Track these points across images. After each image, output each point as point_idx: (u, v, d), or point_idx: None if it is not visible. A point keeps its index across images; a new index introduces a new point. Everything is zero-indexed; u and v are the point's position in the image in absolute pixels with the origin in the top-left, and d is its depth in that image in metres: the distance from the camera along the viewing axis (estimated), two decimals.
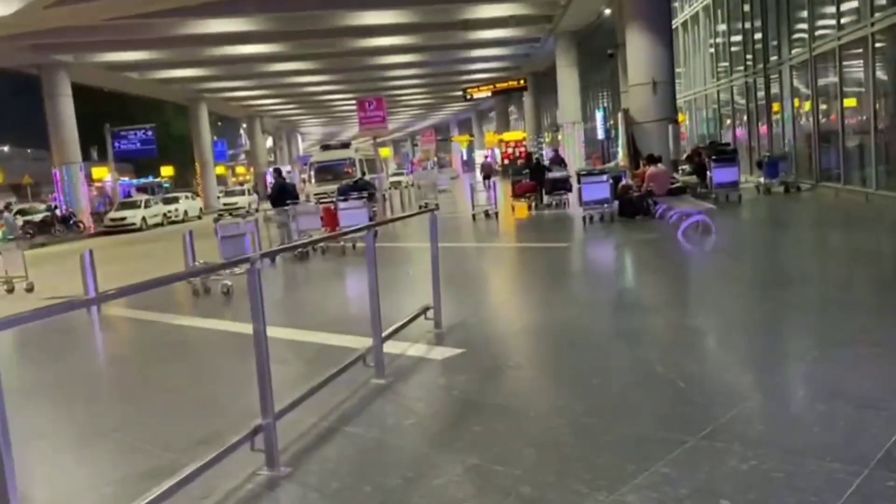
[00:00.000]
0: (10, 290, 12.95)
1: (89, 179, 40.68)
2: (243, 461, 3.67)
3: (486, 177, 39.27)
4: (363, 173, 23.06)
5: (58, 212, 31.88)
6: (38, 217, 31.23)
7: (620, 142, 20.34)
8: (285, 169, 62.77)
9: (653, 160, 15.24)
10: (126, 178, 57.62)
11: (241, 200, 37.48)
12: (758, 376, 4.69)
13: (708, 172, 17.36)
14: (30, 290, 12.81)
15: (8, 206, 33.76)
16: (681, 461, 3.40)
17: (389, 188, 27.50)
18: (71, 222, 31.15)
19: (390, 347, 5.62)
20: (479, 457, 3.65)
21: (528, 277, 10.06)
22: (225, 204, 37.54)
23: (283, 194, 14.61)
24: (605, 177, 15.41)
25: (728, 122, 25.73)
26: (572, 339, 6.07)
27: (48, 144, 33.86)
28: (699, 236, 11.17)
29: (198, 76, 40.62)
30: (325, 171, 23.46)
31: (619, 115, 20.36)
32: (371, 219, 15.24)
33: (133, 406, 5.41)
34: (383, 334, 5.33)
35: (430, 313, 6.49)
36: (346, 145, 25.11)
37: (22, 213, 32.09)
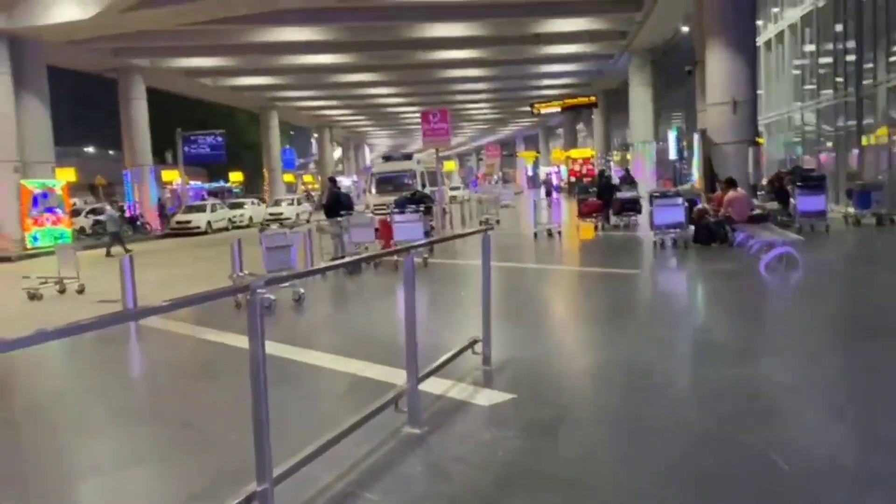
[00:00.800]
0: (62, 291, 12.85)
1: (160, 182, 41.55)
2: None
3: (548, 193, 38.51)
4: (423, 185, 22.51)
5: (126, 213, 32.44)
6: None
7: (695, 163, 19.19)
8: (351, 178, 63.51)
9: (731, 184, 14.16)
10: (199, 182, 59.00)
11: (288, 210, 36.23)
12: (880, 457, 3.75)
13: (791, 199, 16.12)
14: (80, 291, 12.68)
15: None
16: None
17: (450, 201, 26.90)
18: (138, 223, 31.67)
19: (430, 385, 4.91)
20: None
21: (592, 308, 9.18)
22: (271, 214, 35.50)
23: (337, 205, 14.12)
24: (679, 199, 14.39)
25: (813, 146, 24.19)
26: (643, 390, 5.20)
27: None
28: (784, 270, 10.09)
29: (269, 84, 41.15)
30: (386, 183, 23.00)
31: (695, 135, 19.22)
32: (427, 233, 14.62)
33: (136, 439, 4.84)
34: (421, 373, 4.62)
35: (479, 347, 5.75)
36: (407, 157, 24.66)
37: (94, 212, 32.74)
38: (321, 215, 16.24)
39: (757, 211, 14.40)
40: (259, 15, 23.99)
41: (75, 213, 30.53)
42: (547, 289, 11.16)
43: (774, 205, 16.11)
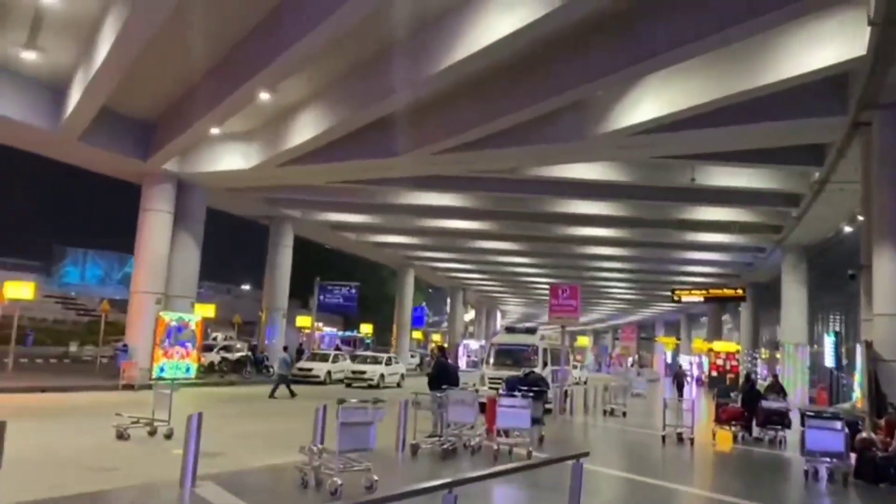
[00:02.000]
0: (152, 433, 12.52)
1: (294, 326, 42.70)
2: None
3: (679, 386, 35.13)
4: (545, 364, 21.11)
5: (256, 354, 33.00)
6: (235, 356, 32.39)
7: (858, 378, 16.65)
8: (480, 343, 62.82)
9: None
10: (333, 330, 60.53)
11: (372, 370, 31.02)
12: None
13: None
14: (168, 436, 12.29)
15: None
16: None
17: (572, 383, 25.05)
18: (262, 365, 32.00)
19: None
20: None
21: None
22: (353, 372, 31.17)
23: (441, 377, 13.13)
24: (838, 423, 12.14)
25: None
26: None
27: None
28: None
29: (408, 244, 42.36)
30: (505, 355, 21.80)
31: (858, 346, 16.82)
32: (536, 421, 13.17)
33: None
34: None
35: None
36: (531, 331, 23.52)
37: (226, 349, 33.58)
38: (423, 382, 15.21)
39: None
40: (404, 178, 24.83)
41: (208, 348, 31.35)
42: None
43: None
